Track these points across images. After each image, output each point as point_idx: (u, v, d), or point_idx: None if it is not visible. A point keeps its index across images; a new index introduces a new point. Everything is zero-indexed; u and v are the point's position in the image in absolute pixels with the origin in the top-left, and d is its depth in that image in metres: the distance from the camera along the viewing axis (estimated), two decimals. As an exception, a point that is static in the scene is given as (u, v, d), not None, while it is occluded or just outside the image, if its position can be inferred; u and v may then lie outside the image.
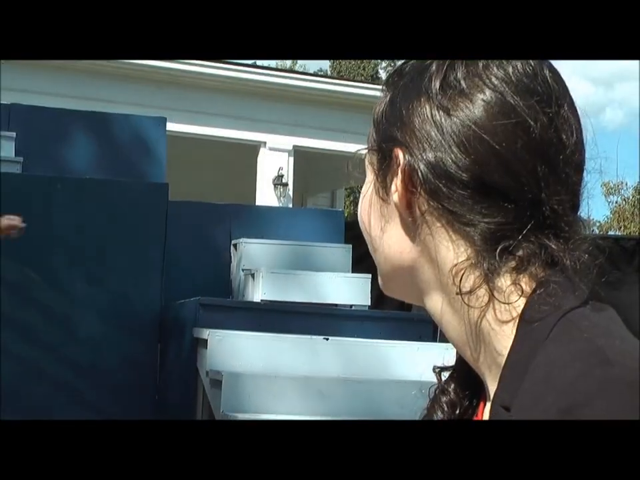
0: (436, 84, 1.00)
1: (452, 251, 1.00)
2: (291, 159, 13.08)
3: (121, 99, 11.01)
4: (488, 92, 0.98)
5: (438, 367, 1.15)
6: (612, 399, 0.85)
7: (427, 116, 1.00)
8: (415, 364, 5.10)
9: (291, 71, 12.70)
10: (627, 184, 25.48)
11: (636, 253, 9.17)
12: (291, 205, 12.81)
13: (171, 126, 7.80)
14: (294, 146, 12.99)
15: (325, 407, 4.72)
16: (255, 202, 12.47)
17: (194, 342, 5.37)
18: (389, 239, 1.05)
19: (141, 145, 6.90)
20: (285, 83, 12.53)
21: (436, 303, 1.03)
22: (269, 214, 7.73)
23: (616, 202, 25.62)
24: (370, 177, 1.06)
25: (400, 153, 1.01)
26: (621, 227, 24.48)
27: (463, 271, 0.98)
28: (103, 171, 6.58)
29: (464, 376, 1.12)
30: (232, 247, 6.95)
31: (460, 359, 1.12)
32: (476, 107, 0.98)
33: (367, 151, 1.06)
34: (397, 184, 1.01)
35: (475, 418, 1.09)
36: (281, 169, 12.93)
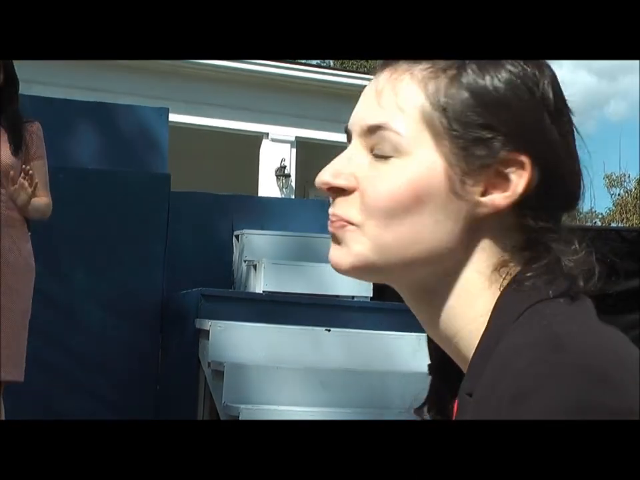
0: (549, 94, 1.03)
1: (492, 250, 1.03)
2: (294, 150, 13.07)
3: (123, 89, 11.01)
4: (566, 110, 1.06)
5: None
6: (562, 383, 0.86)
7: (551, 131, 1.03)
8: (416, 355, 5.11)
9: (294, 61, 12.68)
10: (629, 176, 25.47)
11: (638, 244, 9.16)
12: (293, 196, 12.80)
13: (173, 117, 7.79)
14: (296, 137, 12.98)
15: (326, 397, 4.72)
16: (257, 193, 12.46)
17: (196, 333, 5.38)
18: (439, 232, 1.03)
19: (143, 135, 6.89)
20: (288, 73, 12.51)
21: (440, 296, 1.05)
22: (271, 205, 7.72)
23: (618, 194, 25.60)
24: (424, 156, 1.02)
25: (527, 161, 1.02)
26: (623, 219, 24.46)
27: (499, 269, 1.03)
28: (105, 161, 6.58)
29: (442, 370, 1.15)
30: (234, 237, 6.94)
31: (437, 354, 1.14)
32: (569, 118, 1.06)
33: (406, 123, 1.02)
34: (514, 190, 1.02)
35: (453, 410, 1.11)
36: (283, 160, 12.93)
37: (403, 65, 1.04)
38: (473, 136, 1.01)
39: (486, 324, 1.01)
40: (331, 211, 1.08)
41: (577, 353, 0.89)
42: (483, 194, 1.02)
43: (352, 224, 1.05)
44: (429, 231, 1.03)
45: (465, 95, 1.01)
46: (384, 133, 1.03)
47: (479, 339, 1.01)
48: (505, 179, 1.02)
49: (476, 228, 1.02)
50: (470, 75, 1.01)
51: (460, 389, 1.01)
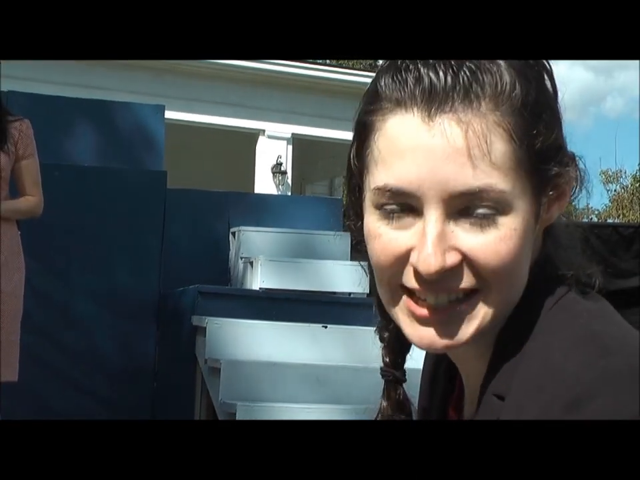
0: (556, 88, 1.01)
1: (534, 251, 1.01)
2: (290, 147, 13.06)
3: (119, 86, 10.99)
4: None
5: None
6: (618, 391, 0.85)
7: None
8: (412, 351, 5.09)
9: (290, 58, 12.64)
10: (625, 172, 25.46)
11: (634, 240, 9.16)
12: (289, 193, 12.79)
13: (169, 114, 7.78)
14: (293, 134, 12.97)
15: (323, 394, 4.72)
16: (253, 190, 12.46)
17: (192, 330, 5.37)
18: (527, 263, 0.98)
19: (139, 132, 6.88)
20: (284, 70, 12.49)
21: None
22: (268, 202, 7.71)
23: (614, 190, 25.58)
24: (524, 203, 0.95)
25: (573, 167, 1.00)
26: (619, 215, 24.44)
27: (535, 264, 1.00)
28: (101, 159, 6.56)
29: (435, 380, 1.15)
30: (230, 235, 6.93)
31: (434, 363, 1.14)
32: None
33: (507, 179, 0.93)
34: (566, 200, 1.00)
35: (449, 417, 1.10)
36: (279, 157, 12.92)
37: (467, 112, 0.93)
38: (553, 162, 0.97)
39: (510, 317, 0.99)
40: (436, 302, 0.95)
41: (624, 355, 0.88)
42: (547, 210, 0.99)
43: (469, 293, 0.95)
44: (523, 270, 0.97)
45: (538, 121, 0.95)
46: (485, 195, 0.92)
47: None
48: (559, 190, 0.99)
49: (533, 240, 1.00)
50: (532, 96, 0.95)
51: (483, 386, 0.98)
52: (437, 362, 1.14)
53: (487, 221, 0.93)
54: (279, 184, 12.89)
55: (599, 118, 45.19)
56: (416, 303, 0.96)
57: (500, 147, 0.92)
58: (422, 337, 0.96)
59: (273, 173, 12.95)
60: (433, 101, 0.92)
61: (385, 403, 1.13)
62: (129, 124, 6.86)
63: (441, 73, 0.93)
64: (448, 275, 0.93)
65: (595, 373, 0.86)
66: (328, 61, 13.92)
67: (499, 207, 0.93)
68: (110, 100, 7.47)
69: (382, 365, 1.14)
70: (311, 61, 12.59)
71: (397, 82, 0.95)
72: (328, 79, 12.75)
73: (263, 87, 12.39)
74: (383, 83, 0.96)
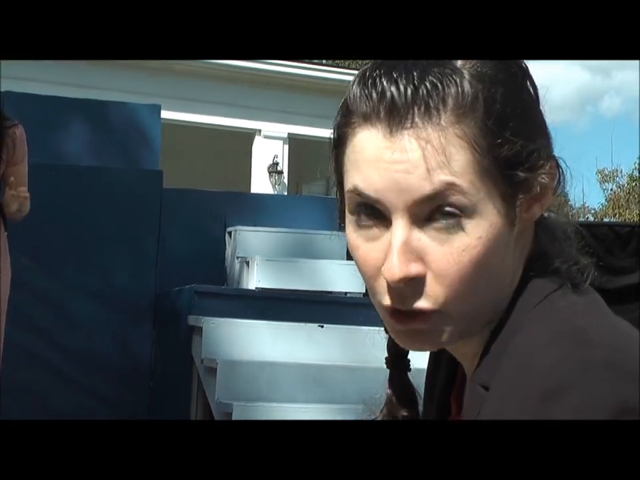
0: (535, 88, 1.01)
1: (524, 248, 1.02)
2: (286, 147, 13.07)
3: (115, 86, 10.98)
4: None
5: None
6: (593, 382, 0.85)
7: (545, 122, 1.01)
8: (409, 351, 5.09)
9: (286, 58, 12.62)
10: (621, 171, 25.48)
11: (631, 239, 9.17)
12: (285, 193, 12.80)
13: (165, 114, 7.78)
14: (289, 133, 12.98)
15: (320, 394, 4.72)
16: (249, 190, 12.46)
17: (189, 329, 5.38)
18: (507, 267, 0.99)
19: (135, 132, 6.88)
20: (280, 70, 12.50)
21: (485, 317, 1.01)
22: (264, 201, 7.71)
23: (611, 189, 25.61)
24: (490, 209, 0.95)
25: (554, 163, 1.00)
26: (616, 214, 24.46)
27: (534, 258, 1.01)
28: (97, 158, 6.56)
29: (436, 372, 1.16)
30: (226, 234, 6.94)
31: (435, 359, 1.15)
32: None
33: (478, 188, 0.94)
34: (548, 196, 1.00)
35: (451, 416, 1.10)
36: (275, 156, 12.92)
37: (426, 127, 0.94)
38: (521, 167, 0.97)
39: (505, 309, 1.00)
40: (403, 307, 0.98)
41: (604, 347, 0.88)
42: (527, 210, 0.99)
43: (433, 312, 0.97)
44: (499, 273, 0.98)
45: (504, 129, 0.95)
46: (447, 198, 0.94)
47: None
48: (539, 188, 0.99)
49: (518, 238, 1.00)
50: (499, 103, 0.95)
51: (471, 379, 1.00)
52: (439, 352, 1.14)
53: (452, 226, 0.95)
54: (275, 184, 12.90)
55: (595, 117, 45.24)
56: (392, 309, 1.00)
57: (460, 157, 0.94)
58: (398, 339, 1.02)
59: (269, 173, 12.96)
60: (394, 118, 0.95)
61: (389, 391, 1.16)
62: (125, 124, 6.86)
63: (402, 88, 0.95)
64: (413, 282, 0.96)
65: (571, 365, 0.87)
66: (324, 61, 13.92)
67: (463, 209, 0.94)
68: (106, 100, 7.46)
69: (386, 354, 1.17)
70: (307, 60, 12.59)
71: (364, 96, 0.98)
72: (324, 78, 12.76)
73: (259, 86, 12.39)
74: (352, 96, 1.00)
